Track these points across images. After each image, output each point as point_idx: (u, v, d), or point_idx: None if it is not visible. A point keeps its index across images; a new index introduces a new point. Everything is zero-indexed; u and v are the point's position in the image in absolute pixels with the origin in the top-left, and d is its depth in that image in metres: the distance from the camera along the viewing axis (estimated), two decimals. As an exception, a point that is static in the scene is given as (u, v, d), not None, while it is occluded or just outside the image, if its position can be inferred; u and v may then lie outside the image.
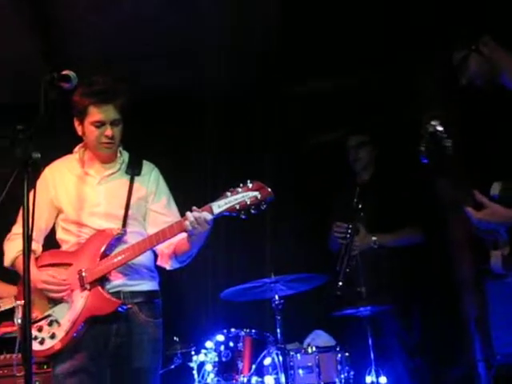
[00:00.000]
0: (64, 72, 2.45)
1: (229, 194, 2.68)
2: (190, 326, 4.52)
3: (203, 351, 3.97)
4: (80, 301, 2.81)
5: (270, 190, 2.66)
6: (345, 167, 4.52)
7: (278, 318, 3.84)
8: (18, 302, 2.84)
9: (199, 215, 2.68)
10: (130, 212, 2.95)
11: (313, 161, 4.98)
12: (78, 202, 2.94)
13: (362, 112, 4.73)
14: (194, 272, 4.71)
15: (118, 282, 2.88)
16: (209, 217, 2.68)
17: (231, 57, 4.59)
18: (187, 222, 2.70)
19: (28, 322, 2.13)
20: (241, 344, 3.89)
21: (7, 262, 2.97)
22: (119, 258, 2.83)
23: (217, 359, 3.90)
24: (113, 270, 2.84)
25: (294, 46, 4.46)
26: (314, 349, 3.91)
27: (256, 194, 2.63)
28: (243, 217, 2.67)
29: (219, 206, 2.68)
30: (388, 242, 4.23)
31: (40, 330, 2.83)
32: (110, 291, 2.85)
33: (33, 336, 2.77)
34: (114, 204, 2.95)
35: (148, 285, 2.98)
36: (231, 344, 3.90)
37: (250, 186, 2.67)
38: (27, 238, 2.09)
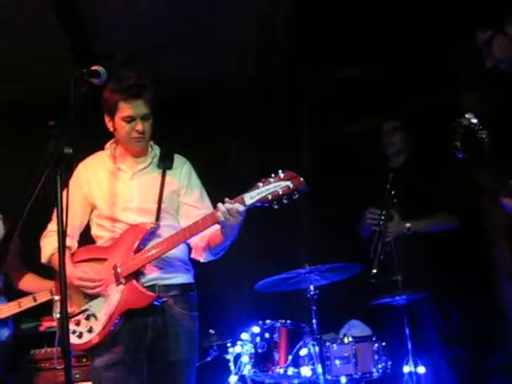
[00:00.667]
0: (93, 67, 2.46)
1: (260, 184, 2.66)
2: (225, 319, 4.52)
3: (239, 343, 3.99)
4: (116, 295, 2.83)
5: (301, 179, 2.63)
6: (377, 154, 4.47)
7: (314, 308, 3.82)
8: (56, 297, 2.88)
9: (231, 206, 2.67)
10: (162, 206, 2.95)
11: (345, 148, 4.93)
12: (111, 198, 2.96)
13: (395, 98, 4.67)
14: (229, 264, 4.70)
15: (152, 275, 2.89)
16: (241, 208, 2.67)
17: (257, 49, 4.58)
18: (219, 214, 2.69)
19: (65, 316, 2.16)
20: (276, 335, 3.89)
21: (44, 259, 3.00)
22: (153, 251, 2.84)
23: (253, 351, 3.91)
24: (147, 263, 2.85)
25: (321, 34, 4.42)
26: (350, 339, 3.90)
27: (288, 183, 2.61)
28: (276, 207, 2.64)
29: (251, 197, 2.67)
30: (422, 228, 4.18)
31: (78, 324, 2.86)
32: (145, 285, 2.86)
33: (71, 330, 2.81)
34: (147, 198, 2.96)
35: (183, 278, 2.98)
36: (267, 335, 3.90)
37: (282, 175, 2.65)
38: (62, 234, 2.11)
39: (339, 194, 4.78)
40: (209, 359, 4.22)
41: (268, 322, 3.94)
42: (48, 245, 2.98)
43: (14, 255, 3.93)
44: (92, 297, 2.88)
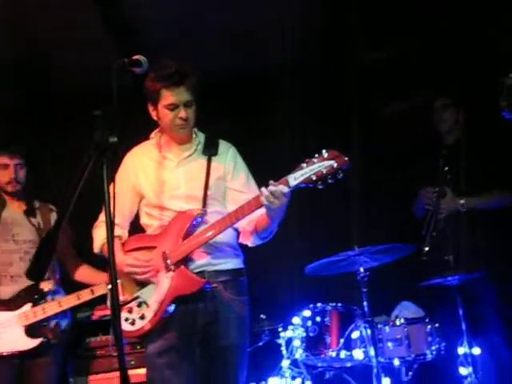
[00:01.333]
0: (135, 57, 2.48)
1: (304, 165, 2.63)
2: (276, 303, 4.54)
3: (290, 327, 3.99)
4: (166, 282, 2.85)
5: (345, 158, 2.58)
6: (430, 131, 4.38)
7: (364, 290, 3.79)
8: (109, 286, 2.93)
9: (275, 189, 2.65)
10: (209, 192, 2.96)
11: (397, 126, 4.84)
12: (158, 186, 2.98)
13: (446, 75, 4.57)
14: (278, 248, 4.70)
15: (201, 261, 2.90)
16: (285, 189, 2.64)
17: (294, 31, 4.53)
18: (263, 197, 2.68)
19: (116, 304, 2.17)
20: (328, 318, 3.88)
21: (96, 249, 3.05)
22: (201, 237, 2.85)
23: (304, 335, 3.91)
24: (195, 249, 2.85)
25: (365, 10, 4.34)
26: (402, 321, 3.86)
27: (332, 162, 2.58)
28: (320, 187, 2.60)
29: (295, 178, 2.64)
30: (476, 205, 4.07)
31: (130, 311, 2.89)
32: (195, 271, 2.86)
33: (124, 317, 2.86)
34: (194, 185, 2.96)
35: (232, 263, 2.98)
36: (318, 319, 3.90)
37: (326, 155, 2.60)
38: (110, 224, 2.13)
39: (390, 172, 4.71)
40: (261, 344, 4.24)
41: (319, 305, 3.93)
42: (99, 235, 3.03)
43: (69, 247, 4.01)
44: (143, 284, 2.92)
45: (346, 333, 3.81)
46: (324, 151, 2.61)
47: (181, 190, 2.97)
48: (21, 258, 3.81)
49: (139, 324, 2.87)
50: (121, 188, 2.94)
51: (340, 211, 4.80)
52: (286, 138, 4.95)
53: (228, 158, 3.06)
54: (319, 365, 4.01)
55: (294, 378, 3.99)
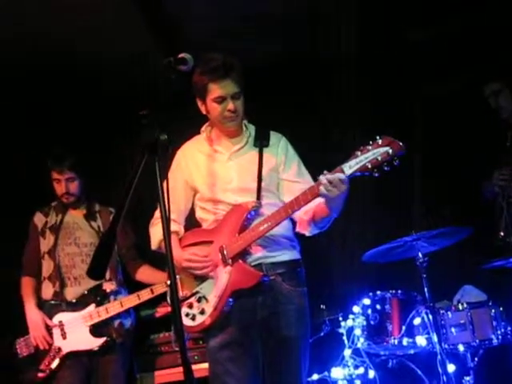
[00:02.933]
0: (180, 55, 2.48)
1: (359, 153, 2.57)
2: (335, 293, 4.51)
3: (351, 316, 3.98)
4: (224, 276, 2.85)
5: (400, 143, 2.51)
6: (494, 112, 4.26)
7: (424, 276, 3.73)
8: (169, 282, 2.95)
9: (333, 177, 2.59)
10: (263, 184, 2.93)
11: (459, 107, 4.72)
12: (210, 180, 2.98)
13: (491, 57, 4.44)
14: (334, 237, 4.71)
15: (258, 254, 2.88)
16: (342, 176, 2.59)
17: (344, 15, 4.49)
18: (321, 187, 2.62)
19: (176, 300, 2.17)
20: (388, 306, 3.84)
21: (153, 246, 3.08)
22: (257, 230, 2.81)
23: (365, 323, 3.89)
24: (252, 242, 2.83)
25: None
26: (465, 305, 3.78)
27: (387, 149, 2.51)
28: (376, 175, 2.54)
29: (350, 167, 2.59)
30: None
31: (190, 306, 2.90)
32: (252, 264, 2.86)
33: (184, 313, 2.87)
34: (246, 178, 2.95)
35: (289, 254, 2.95)
36: (378, 307, 3.87)
37: (380, 142, 2.54)
38: (166, 220, 2.15)
39: (451, 155, 4.60)
40: (322, 334, 4.22)
41: (378, 293, 3.90)
42: (156, 232, 3.05)
43: (129, 248, 4.10)
44: (203, 279, 2.92)
45: (408, 320, 3.76)
46: (378, 138, 2.56)
47: (233, 183, 2.96)
48: (82, 261, 3.93)
49: (200, 319, 2.87)
50: (175, 183, 2.98)
51: (397, 197, 4.71)
52: (341, 125, 4.90)
53: (279, 148, 3.03)
54: (381, 353, 3.98)
55: (356, 367, 3.97)
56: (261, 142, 3.02)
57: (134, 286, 4.04)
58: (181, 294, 2.90)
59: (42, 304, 3.89)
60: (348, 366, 3.96)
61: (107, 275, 3.86)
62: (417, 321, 3.76)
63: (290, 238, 3.00)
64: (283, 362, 2.87)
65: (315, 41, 4.77)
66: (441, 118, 4.74)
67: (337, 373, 3.95)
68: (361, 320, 3.91)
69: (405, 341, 3.75)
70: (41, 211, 4.07)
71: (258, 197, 2.92)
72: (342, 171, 2.60)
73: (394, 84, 4.79)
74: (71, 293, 3.87)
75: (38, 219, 4.04)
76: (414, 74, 4.74)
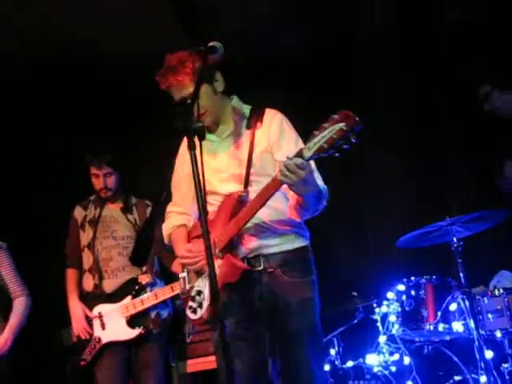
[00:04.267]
0: (211, 43, 2.48)
1: (317, 132, 2.29)
2: (368, 279, 4.48)
3: (385, 303, 3.95)
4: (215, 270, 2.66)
5: (356, 118, 2.22)
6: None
7: (459, 261, 3.67)
8: (182, 274, 2.88)
9: (289, 162, 2.37)
10: (252, 170, 2.76)
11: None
12: (207, 172, 2.73)
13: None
14: (368, 222, 4.68)
15: (253, 245, 2.72)
16: (299, 161, 2.35)
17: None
18: (278, 173, 2.43)
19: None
20: (423, 291, 3.81)
21: (165, 240, 3.03)
22: (238, 221, 2.65)
23: (400, 309, 3.86)
24: (235, 234, 2.66)
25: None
26: (501, 291, 3.69)
27: (341, 125, 2.22)
28: (336, 155, 2.27)
29: (309, 149, 2.33)
30: None
31: (193, 299, 2.81)
32: (249, 256, 2.72)
33: (188, 306, 2.82)
34: (236, 164, 2.77)
35: (290, 243, 2.78)
36: (413, 293, 3.84)
37: (336, 117, 2.25)
38: (203, 209, 2.10)
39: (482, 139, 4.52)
40: (355, 321, 4.20)
41: (413, 278, 3.86)
42: (166, 226, 3.00)
43: (163, 241, 4.12)
44: (201, 273, 2.81)
45: (443, 305, 3.72)
46: (334, 114, 2.28)
47: (225, 172, 2.82)
48: (119, 253, 4.01)
49: (199, 313, 2.79)
50: (179, 177, 2.92)
51: (430, 180, 4.64)
52: (376, 111, 4.83)
53: (272, 127, 2.80)
54: (417, 339, 3.95)
55: (391, 353, 3.94)
56: (254, 123, 2.81)
57: (169, 277, 4.06)
58: (187, 287, 2.85)
59: (83, 296, 4.01)
60: (383, 353, 3.94)
61: (143, 268, 3.94)
62: (453, 306, 3.71)
63: (291, 224, 2.80)
64: (291, 359, 2.73)
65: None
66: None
67: (372, 359, 3.93)
68: (395, 306, 3.88)
69: (440, 327, 3.71)
70: (80, 205, 4.15)
71: (246, 185, 2.75)
72: (301, 155, 2.37)
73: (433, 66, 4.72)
74: (109, 285, 3.96)
75: (78, 213, 4.13)
76: (452, 57, 4.66)
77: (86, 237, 4.06)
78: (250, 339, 2.76)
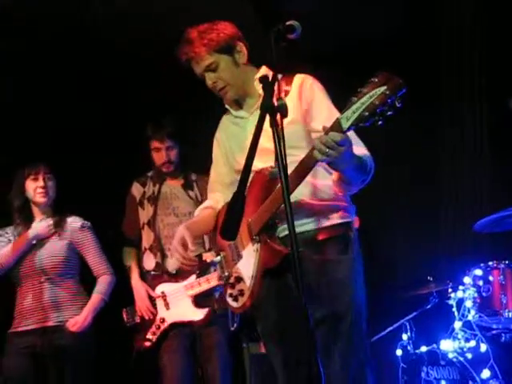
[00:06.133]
0: (289, 22, 2.42)
1: (354, 98, 2.03)
2: (444, 263, 4.38)
3: (461, 288, 3.85)
4: (253, 255, 2.49)
5: (399, 80, 1.96)
6: None
7: (542, 246, 3.56)
8: (217, 259, 2.72)
9: (326, 138, 2.12)
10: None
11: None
12: (237, 149, 2.66)
13: None
14: (445, 205, 4.56)
15: (284, 224, 2.33)
16: (337, 137, 2.10)
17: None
18: (315, 151, 2.17)
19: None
20: (502, 277, 3.69)
21: None
22: (276, 198, 2.38)
23: (476, 295, 3.76)
24: (273, 213, 2.40)
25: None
26: None
27: (383, 89, 1.96)
28: (380, 123, 2.01)
29: (347, 118, 2.06)
30: None
31: (233, 286, 2.60)
32: (280, 235, 2.46)
33: (228, 293, 2.63)
34: (264, 138, 2.32)
35: (326, 219, 2.49)
36: (491, 278, 3.73)
37: (376, 80, 1.99)
38: (287, 193, 2.03)
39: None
40: (429, 307, 4.10)
41: (491, 263, 3.75)
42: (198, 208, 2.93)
43: None
44: (239, 257, 2.60)
45: (524, 292, 3.61)
46: (374, 77, 2.02)
47: None
48: None
49: (241, 300, 2.56)
50: (217, 157, 2.81)
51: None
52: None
53: (303, 94, 2.54)
54: (494, 326, 3.84)
55: (467, 340, 3.84)
56: (281, 92, 2.47)
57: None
58: (225, 273, 2.66)
59: (143, 275, 3.91)
60: (458, 339, 3.84)
61: (207, 245, 3.79)
62: (534, 293, 3.60)
63: (332, 199, 2.51)
64: (331, 344, 2.41)
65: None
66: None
67: (446, 345, 3.84)
68: (472, 291, 3.78)
69: (520, 314, 3.60)
70: (138, 181, 4.03)
71: (276, 158, 2.40)
72: (339, 125, 2.11)
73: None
74: (172, 264, 3.82)
75: (136, 190, 4.01)
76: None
77: (145, 214, 3.93)
78: (289, 332, 2.51)
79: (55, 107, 4.77)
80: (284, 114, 2.11)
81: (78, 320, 3.67)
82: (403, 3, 4.44)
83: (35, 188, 3.78)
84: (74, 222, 3.88)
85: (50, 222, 3.80)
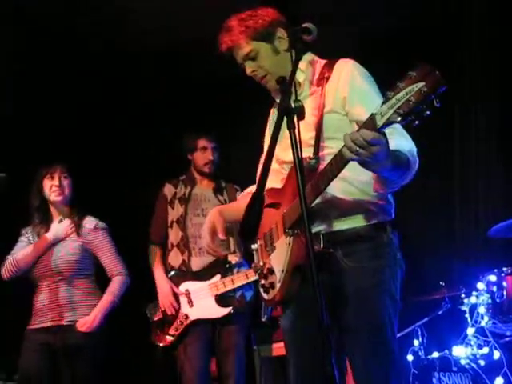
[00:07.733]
0: (304, 25, 2.40)
1: (390, 93, 1.83)
2: (457, 268, 4.34)
3: (474, 293, 3.82)
4: (285, 248, 2.33)
5: (439, 75, 1.74)
6: None
7: (557, 252, 3.52)
8: (254, 246, 2.59)
9: (356, 136, 1.92)
10: (321, 133, 2.34)
11: None
12: (279, 140, 2.39)
13: None
14: (459, 209, 4.53)
15: (317, 220, 2.28)
16: (369, 135, 1.90)
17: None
18: (344, 149, 1.98)
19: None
20: (516, 283, 3.66)
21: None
22: (314, 190, 2.22)
23: (490, 301, 3.73)
24: (309, 206, 2.21)
25: None
26: None
27: (420, 85, 1.75)
28: (416, 123, 1.81)
29: (382, 115, 1.86)
30: None
31: (265, 278, 2.46)
32: (313, 231, 2.18)
33: (261, 284, 2.50)
34: (304, 129, 2.26)
35: (360, 218, 2.31)
36: (504, 284, 3.69)
37: (414, 74, 1.78)
38: (302, 189, 2.02)
39: None
40: (440, 312, 4.07)
41: (505, 269, 3.72)
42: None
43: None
44: (272, 248, 2.45)
45: (539, 298, 3.57)
46: (411, 70, 1.80)
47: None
48: None
49: (271, 293, 2.42)
50: (265, 146, 2.72)
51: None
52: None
53: (341, 79, 2.33)
54: (508, 333, 3.79)
55: (480, 346, 3.81)
56: (324, 79, 2.37)
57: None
58: (260, 263, 2.53)
59: (168, 272, 3.98)
60: (471, 345, 3.81)
61: (232, 247, 3.87)
62: (549, 300, 3.56)
63: (365, 196, 2.31)
64: (357, 359, 2.28)
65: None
66: None
67: (459, 351, 3.81)
68: (485, 297, 3.75)
69: (536, 320, 3.57)
70: (170, 182, 4.15)
71: (316, 150, 2.31)
72: (373, 122, 1.90)
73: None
74: (196, 263, 3.93)
75: (168, 190, 4.12)
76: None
77: (175, 213, 4.04)
78: (310, 334, 2.29)
79: (77, 111, 4.93)
80: (301, 117, 2.07)
81: (87, 320, 3.71)
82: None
83: (51, 186, 3.84)
84: (88, 223, 3.92)
85: (69, 223, 3.85)
